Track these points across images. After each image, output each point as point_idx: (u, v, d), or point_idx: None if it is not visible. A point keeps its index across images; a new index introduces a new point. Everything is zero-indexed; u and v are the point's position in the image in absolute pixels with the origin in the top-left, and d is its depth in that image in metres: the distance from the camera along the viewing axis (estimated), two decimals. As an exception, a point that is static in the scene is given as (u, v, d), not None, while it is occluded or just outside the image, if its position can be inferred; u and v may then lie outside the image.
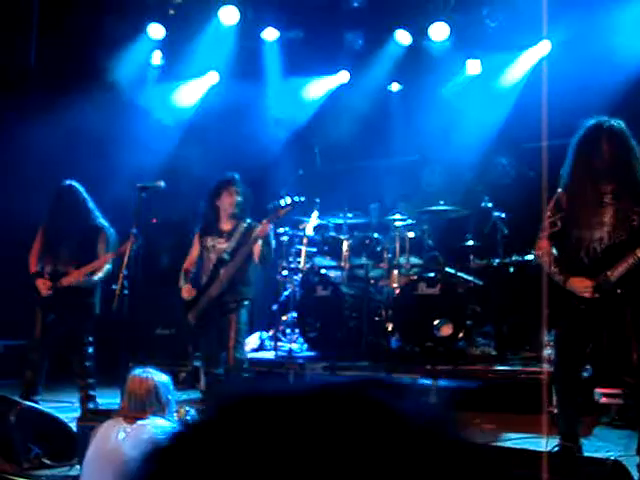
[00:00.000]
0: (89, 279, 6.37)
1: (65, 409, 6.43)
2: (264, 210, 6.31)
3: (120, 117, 9.00)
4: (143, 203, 5.93)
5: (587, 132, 4.63)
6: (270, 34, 9.10)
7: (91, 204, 6.54)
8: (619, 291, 4.46)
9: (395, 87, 9.51)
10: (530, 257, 4.96)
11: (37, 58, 9.04)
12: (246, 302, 6.15)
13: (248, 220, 6.18)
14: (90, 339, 6.47)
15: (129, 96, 9.17)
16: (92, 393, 6.43)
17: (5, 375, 6.99)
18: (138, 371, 3.67)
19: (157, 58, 9.47)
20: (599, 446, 5.36)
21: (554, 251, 4.71)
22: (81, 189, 6.54)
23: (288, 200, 6.04)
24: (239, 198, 6.14)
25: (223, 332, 6.05)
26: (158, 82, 9.56)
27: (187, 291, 6.15)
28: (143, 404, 3.47)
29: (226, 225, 6.18)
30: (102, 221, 6.54)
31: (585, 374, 6.02)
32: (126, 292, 5.83)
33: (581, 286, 4.55)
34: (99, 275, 6.39)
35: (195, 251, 6.31)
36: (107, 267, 6.40)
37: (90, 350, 6.45)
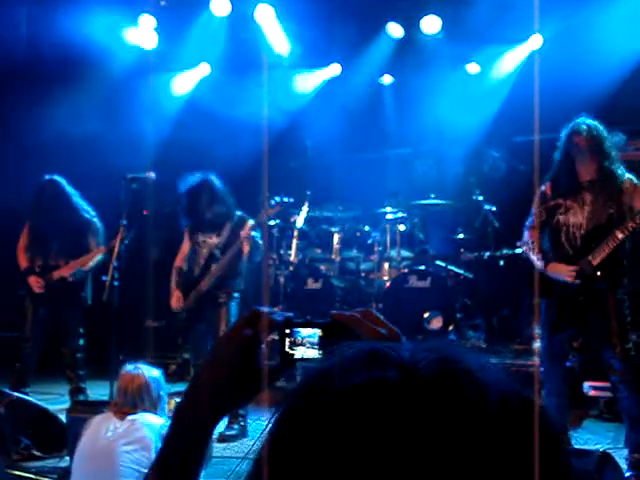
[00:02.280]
0: (79, 270, 6.36)
1: (54, 401, 6.43)
2: (255, 202, 6.31)
3: (110, 108, 8.96)
4: (133, 194, 5.91)
5: (569, 128, 4.87)
6: (263, 12, 8.93)
7: (76, 197, 6.50)
8: (599, 273, 4.56)
9: (387, 80, 9.50)
10: (520, 250, 5.01)
11: (28, 47, 8.98)
12: (236, 295, 6.13)
13: (238, 213, 6.17)
14: (81, 331, 6.45)
15: (119, 87, 9.13)
16: (82, 385, 6.41)
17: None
18: (129, 367, 3.66)
19: (148, 49, 9.42)
20: (587, 439, 5.39)
21: (538, 241, 4.88)
22: (63, 183, 6.49)
23: (277, 200, 6.13)
24: (215, 207, 6.07)
25: (213, 325, 6.05)
26: (149, 73, 9.52)
27: (175, 300, 6.13)
28: (134, 400, 3.47)
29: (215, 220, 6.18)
30: (89, 213, 6.51)
31: (573, 367, 6.08)
32: (116, 284, 5.83)
33: (562, 270, 4.70)
34: (90, 265, 6.39)
35: (186, 247, 6.27)
36: (98, 257, 6.39)
37: (81, 342, 6.43)
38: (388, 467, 0.58)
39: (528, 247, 4.95)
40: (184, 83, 9.75)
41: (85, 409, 4.46)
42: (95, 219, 6.50)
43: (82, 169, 7.26)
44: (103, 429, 3.39)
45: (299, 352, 1.11)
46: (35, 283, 6.32)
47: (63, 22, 8.38)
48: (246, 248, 6.02)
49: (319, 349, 1.11)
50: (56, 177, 6.48)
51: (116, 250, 5.79)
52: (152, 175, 5.85)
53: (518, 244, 5.30)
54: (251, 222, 6.11)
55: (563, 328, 4.81)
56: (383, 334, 1.05)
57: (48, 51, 8.72)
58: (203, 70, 9.67)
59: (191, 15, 9.05)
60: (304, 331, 1.11)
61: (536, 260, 4.84)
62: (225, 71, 9.30)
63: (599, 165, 4.74)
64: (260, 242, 6.16)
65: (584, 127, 4.79)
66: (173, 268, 6.27)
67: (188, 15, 9.06)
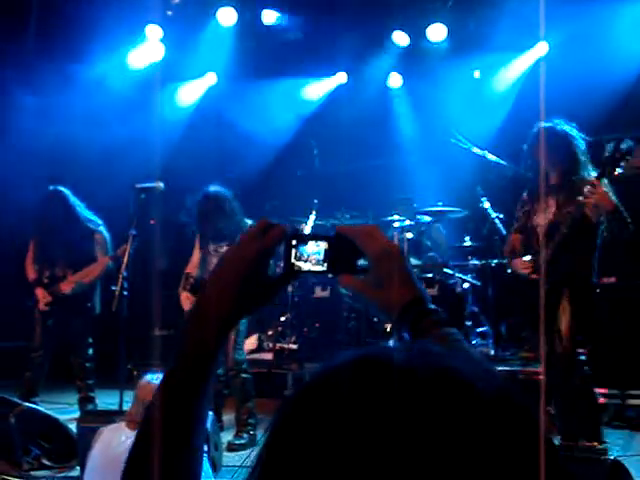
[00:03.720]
0: (79, 285, 6.35)
1: (63, 410, 6.44)
2: (262, 210, 6.32)
3: (118, 118, 9.00)
4: (142, 204, 5.92)
5: (533, 135, 5.09)
6: (269, 17, 8.94)
7: (80, 208, 6.48)
8: (552, 268, 4.70)
9: (394, 86, 9.50)
10: (527, 258, 5.03)
11: (34, 57, 9.03)
12: None
13: (249, 222, 6.15)
14: (90, 340, 6.47)
15: (127, 97, 9.17)
16: (91, 394, 6.43)
17: (2, 376, 6.99)
18: (149, 377, 3.61)
19: (155, 59, 9.47)
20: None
21: (518, 243, 5.20)
22: (68, 193, 6.47)
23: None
24: (224, 221, 6.00)
25: None
26: (156, 83, 9.56)
27: (184, 299, 6.04)
28: None
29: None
30: (95, 224, 6.49)
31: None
32: (125, 293, 5.84)
33: (520, 264, 5.03)
34: (92, 278, 6.38)
35: (196, 255, 6.22)
36: (106, 266, 6.39)
37: (90, 351, 6.46)
38: (379, 467, 0.59)
39: (506, 249, 5.34)
40: (191, 92, 9.80)
41: (95, 419, 4.47)
42: (100, 228, 6.48)
43: (91, 179, 7.29)
44: (115, 440, 3.36)
45: (305, 266, 1.13)
46: (41, 297, 6.34)
47: (72, 30, 8.43)
48: None
49: (324, 263, 1.13)
50: (60, 188, 6.47)
51: (125, 260, 5.80)
52: (161, 185, 5.85)
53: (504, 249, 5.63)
54: None
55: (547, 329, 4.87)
56: (386, 249, 1.10)
57: (56, 59, 8.77)
58: (210, 79, 9.72)
59: (198, 25, 9.10)
60: (310, 248, 1.13)
61: (506, 259, 5.31)
62: (232, 80, 9.34)
63: (561, 171, 4.91)
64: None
65: (540, 138, 4.96)
66: (183, 274, 6.25)
67: (195, 25, 9.11)
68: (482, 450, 0.60)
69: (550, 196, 4.97)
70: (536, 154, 5.00)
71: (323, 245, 1.13)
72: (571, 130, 4.99)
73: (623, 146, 4.64)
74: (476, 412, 0.62)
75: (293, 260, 1.13)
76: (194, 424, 1.01)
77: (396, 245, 1.12)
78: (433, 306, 1.10)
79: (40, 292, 6.36)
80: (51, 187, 6.49)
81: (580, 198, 4.59)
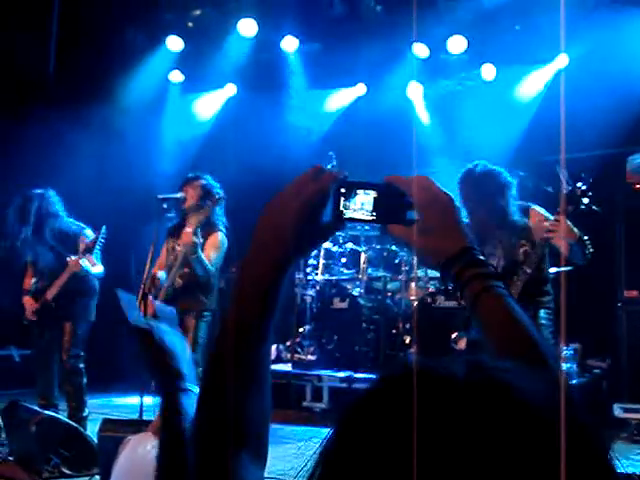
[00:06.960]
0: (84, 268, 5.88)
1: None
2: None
3: (139, 128, 9.06)
4: (163, 214, 5.92)
5: (462, 179, 4.89)
6: (289, 43, 9.08)
7: (62, 212, 6.06)
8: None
9: (412, 96, 9.50)
10: (551, 270, 5.00)
11: (56, 68, 9.11)
12: (206, 313, 5.64)
13: (212, 221, 5.73)
14: (75, 352, 5.89)
15: (148, 107, 9.24)
16: (81, 414, 5.82)
17: (22, 384, 7.03)
18: None
19: (175, 71, 9.54)
20: (620, 462, 5.31)
21: None
22: (54, 197, 6.06)
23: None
24: (199, 192, 5.71)
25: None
26: (176, 94, 9.64)
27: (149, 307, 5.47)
28: None
29: (190, 226, 5.64)
30: (78, 227, 6.06)
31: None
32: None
33: None
34: (88, 267, 5.90)
35: (164, 254, 5.88)
36: (98, 269, 5.99)
37: (80, 364, 5.91)
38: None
39: None
40: (211, 103, 9.85)
41: (116, 428, 4.47)
42: (85, 232, 6.02)
43: (113, 189, 7.32)
44: (140, 449, 3.35)
45: (353, 214, 1.12)
46: (28, 307, 5.96)
47: (96, 44, 8.51)
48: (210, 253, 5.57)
49: (372, 212, 1.12)
50: (50, 192, 6.08)
51: (147, 268, 5.72)
52: (183, 195, 5.84)
53: None
54: (220, 234, 5.69)
55: None
56: (437, 197, 1.09)
57: (78, 72, 8.85)
58: (230, 90, 9.76)
59: (218, 36, 9.15)
60: (359, 196, 1.12)
61: None
62: (252, 91, 9.38)
63: (499, 213, 4.78)
64: (202, 254, 5.49)
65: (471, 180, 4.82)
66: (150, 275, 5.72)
67: (215, 36, 9.16)
68: (537, 470, 0.60)
69: (494, 238, 4.88)
70: (470, 197, 4.81)
71: (372, 194, 1.12)
72: (500, 171, 4.90)
73: (580, 184, 4.61)
74: (531, 431, 0.61)
75: (341, 208, 1.11)
76: (253, 368, 0.99)
77: (448, 194, 1.10)
78: (482, 257, 1.08)
79: (26, 299, 5.98)
80: (38, 190, 6.03)
81: (544, 234, 4.56)
